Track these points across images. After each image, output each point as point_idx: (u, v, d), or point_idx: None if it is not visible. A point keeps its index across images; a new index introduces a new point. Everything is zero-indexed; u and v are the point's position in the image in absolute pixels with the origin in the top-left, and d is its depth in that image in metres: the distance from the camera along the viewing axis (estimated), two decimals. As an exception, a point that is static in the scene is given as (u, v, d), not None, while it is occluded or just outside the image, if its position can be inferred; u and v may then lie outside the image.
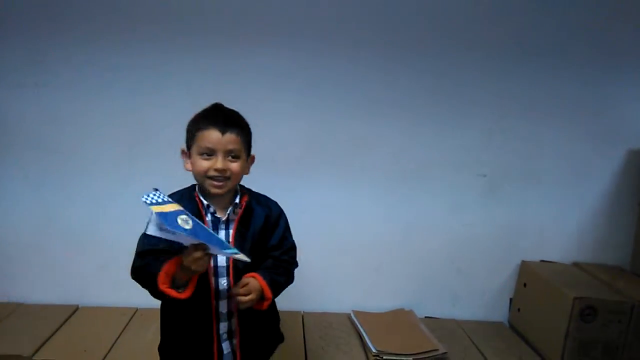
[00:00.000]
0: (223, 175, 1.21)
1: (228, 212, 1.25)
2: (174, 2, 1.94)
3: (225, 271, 1.25)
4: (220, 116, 1.24)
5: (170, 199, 1.13)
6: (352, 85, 2.04)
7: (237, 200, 1.28)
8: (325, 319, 2.09)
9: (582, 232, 2.21)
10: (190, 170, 1.26)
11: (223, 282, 1.25)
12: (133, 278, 1.23)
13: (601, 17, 2.05)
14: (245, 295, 1.19)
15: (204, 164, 1.22)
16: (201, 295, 1.21)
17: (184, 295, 1.14)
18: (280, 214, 1.35)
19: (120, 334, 1.89)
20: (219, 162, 1.21)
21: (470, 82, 2.06)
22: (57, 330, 1.88)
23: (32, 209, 2.04)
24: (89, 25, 1.93)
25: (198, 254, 1.09)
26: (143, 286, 1.20)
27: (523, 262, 2.19)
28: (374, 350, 1.81)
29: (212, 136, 1.21)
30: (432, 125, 2.09)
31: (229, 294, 1.24)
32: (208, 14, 1.95)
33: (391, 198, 2.13)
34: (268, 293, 1.22)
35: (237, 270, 1.24)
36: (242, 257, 1.11)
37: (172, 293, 1.13)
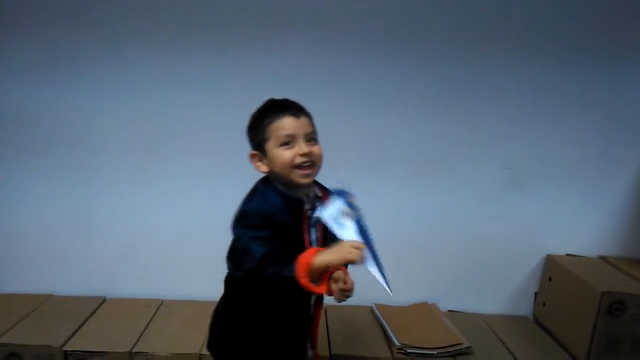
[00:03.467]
0: (310, 159, 1.17)
1: (315, 210, 1.18)
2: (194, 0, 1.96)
3: None
4: (287, 103, 1.20)
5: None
6: (374, 77, 2.02)
7: (319, 194, 1.25)
8: (347, 312, 2.09)
9: (609, 225, 2.17)
10: (266, 172, 1.20)
11: None
12: (249, 277, 1.12)
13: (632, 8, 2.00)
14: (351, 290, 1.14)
15: (287, 153, 1.16)
16: (304, 295, 1.18)
17: (321, 289, 1.08)
18: None
19: (147, 325, 1.92)
20: (303, 147, 1.16)
21: (496, 73, 2.03)
22: (85, 321, 1.92)
23: (60, 203, 2.08)
24: (111, 23, 1.95)
25: (357, 248, 1.06)
26: (265, 284, 1.11)
27: (548, 255, 2.16)
28: (397, 344, 1.81)
29: (289, 122, 1.16)
30: (456, 116, 2.06)
31: (345, 292, 1.14)
32: (227, 12, 1.95)
33: (414, 191, 2.11)
34: None
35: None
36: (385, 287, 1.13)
37: (312, 287, 1.05)
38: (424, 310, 2.10)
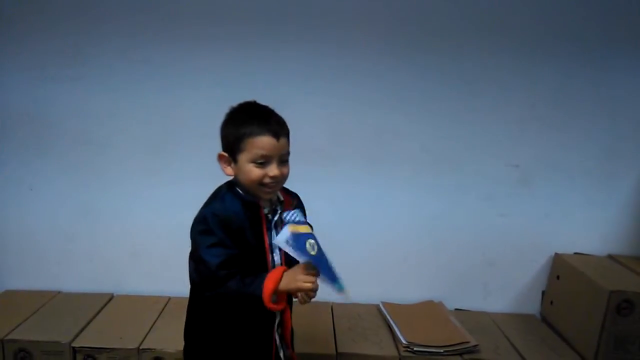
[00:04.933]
0: (277, 180, 1.19)
1: (277, 213, 1.24)
2: (204, -4, 1.96)
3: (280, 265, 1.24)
4: (270, 120, 1.18)
5: (305, 220, 1.18)
6: (380, 75, 2.02)
7: (281, 197, 1.28)
8: (354, 309, 2.09)
9: (617, 223, 2.16)
10: (231, 175, 1.22)
11: None
12: (213, 295, 1.18)
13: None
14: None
15: (257, 172, 1.16)
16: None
17: (280, 306, 1.15)
18: (301, 202, 1.36)
19: (155, 321, 1.93)
20: (274, 169, 1.17)
21: (503, 70, 2.02)
22: (93, 318, 1.93)
23: (68, 199, 2.10)
24: (122, 20, 1.96)
25: (311, 278, 1.12)
26: (227, 299, 1.18)
27: (556, 254, 2.14)
28: (404, 342, 1.81)
29: (268, 143, 1.15)
30: (462, 113, 2.05)
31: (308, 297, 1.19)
32: (239, 7, 1.95)
33: (420, 188, 2.11)
34: None
35: (290, 265, 1.21)
36: (347, 293, 1.13)
37: (273, 307, 1.13)
38: (430, 309, 2.10)
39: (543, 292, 2.19)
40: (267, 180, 1.17)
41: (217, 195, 1.24)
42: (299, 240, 1.11)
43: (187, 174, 2.07)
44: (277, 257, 1.25)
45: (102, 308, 2.01)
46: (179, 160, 2.06)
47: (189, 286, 1.32)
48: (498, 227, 2.13)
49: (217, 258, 1.14)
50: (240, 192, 1.23)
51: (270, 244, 1.23)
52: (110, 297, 2.11)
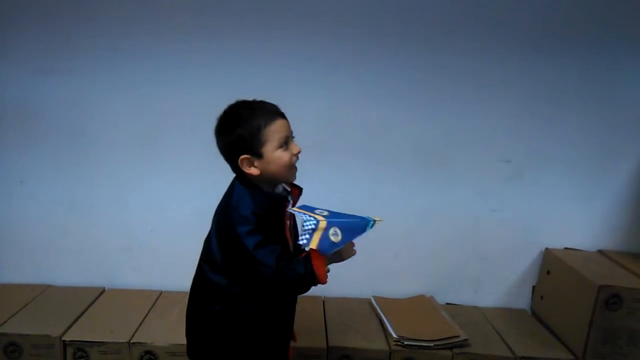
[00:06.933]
0: (298, 157, 1.22)
1: (289, 204, 1.27)
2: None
3: None
4: (269, 106, 1.21)
5: (318, 213, 1.16)
6: (373, 69, 2.01)
7: (287, 188, 1.29)
8: (345, 304, 2.10)
9: (608, 219, 2.17)
10: (257, 174, 1.21)
11: None
12: (275, 283, 1.17)
13: (633, 1, 1.98)
14: None
15: (287, 154, 1.19)
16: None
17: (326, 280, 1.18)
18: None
19: (146, 315, 1.93)
20: (296, 146, 1.21)
21: (496, 65, 2.01)
22: (84, 311, 1.93)
23: (58, 192, 2.09)
24: (113, 12, 1.94)
25: (352, 247, 1.22)
26: (288, 288, 1.19)
27: (547, 249, 2.16)
28: (394, 336, 1.82)
29: (283, 124, 1.19)
30: (455, 107, 2.05)
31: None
32: (225, 3, 1.94)
33: (412, 183, 2.11)
34: None
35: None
36: (378, 218, 1.20)
37: (325, 280, 1.16)
38: (421, 303, 2.11)
39: (533, 287, 2.20)
40: (294, 159, 1.21)
41: (243, 194, 1.21)
42: (324, 244, 1.12)
43: (179, 167, 2.07)
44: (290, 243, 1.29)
45: (93, 302, 2.01)
46: (171, 153, 2.06)
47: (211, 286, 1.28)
48: (489, 222, 2.14)
49: (273, 254, 1.15)
50: (265, 189, 1.23)
51: (290, 232, 1.27)
52: (102, 291, 2.10)
